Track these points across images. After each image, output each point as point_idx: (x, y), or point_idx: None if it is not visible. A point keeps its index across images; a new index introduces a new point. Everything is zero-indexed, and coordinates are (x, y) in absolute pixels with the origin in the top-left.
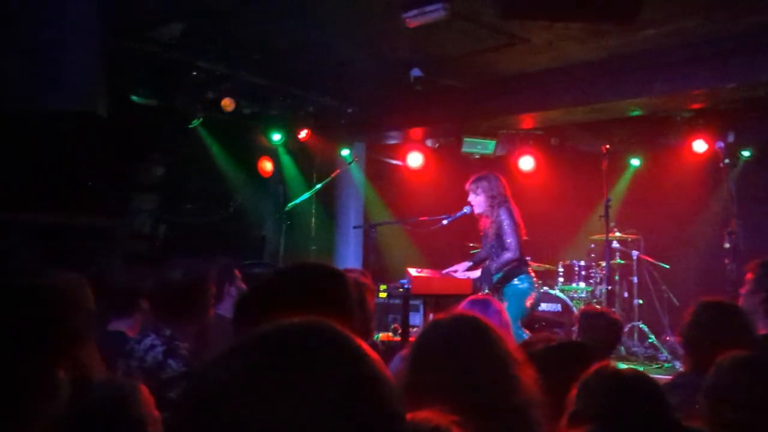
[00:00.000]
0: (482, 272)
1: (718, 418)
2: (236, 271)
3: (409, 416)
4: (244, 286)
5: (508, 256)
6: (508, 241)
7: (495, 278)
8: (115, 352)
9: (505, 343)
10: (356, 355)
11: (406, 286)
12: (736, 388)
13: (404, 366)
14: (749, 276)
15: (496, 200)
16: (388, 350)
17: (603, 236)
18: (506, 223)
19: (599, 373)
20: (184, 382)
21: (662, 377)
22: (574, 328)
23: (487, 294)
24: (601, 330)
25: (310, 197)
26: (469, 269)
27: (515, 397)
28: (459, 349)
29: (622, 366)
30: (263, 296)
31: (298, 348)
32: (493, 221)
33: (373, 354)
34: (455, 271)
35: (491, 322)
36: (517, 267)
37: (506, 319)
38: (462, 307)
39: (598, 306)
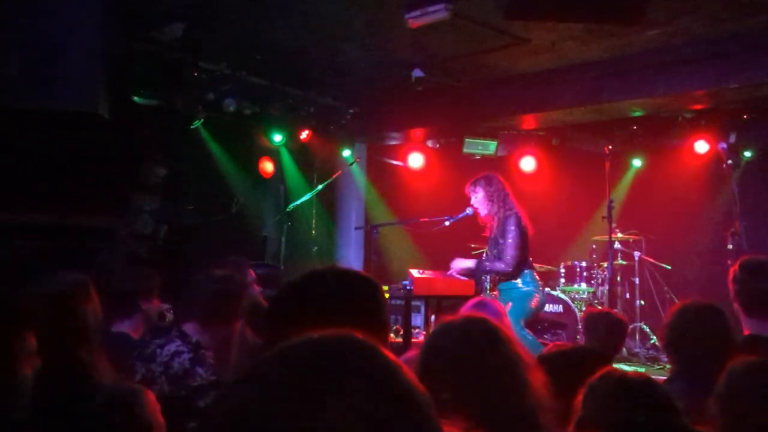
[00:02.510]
0: (476, 265)
1: (730, 424)
2: (251, 271)
3: None
4: (257, 287)
5: (501, 267)
6: (508, 256)
7: (484, 278)
8: (120, 353)
9: (515, 345)
10: (391, 369)
11: (408, 287)
12: (749, 394)
13: (412, 370)
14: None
15: (495, 201)
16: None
17: (604, 237)
18: (511, 236)
19: (605, 378)
20: (213, 390)
21: (664, 378)
22: (579, 327)
23: (489, 296)
24: (605, 331)
25: (312, 198)
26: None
27: (525, 401)
28: (469, 351)
29: (627, 369)
30: (295, 303)
31: (329, 363)
32: (498, 224)
33: (405, 367)
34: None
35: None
36: (523, 268)
37: (507, 322)
38: (464, 309)
39: (600, 307)
